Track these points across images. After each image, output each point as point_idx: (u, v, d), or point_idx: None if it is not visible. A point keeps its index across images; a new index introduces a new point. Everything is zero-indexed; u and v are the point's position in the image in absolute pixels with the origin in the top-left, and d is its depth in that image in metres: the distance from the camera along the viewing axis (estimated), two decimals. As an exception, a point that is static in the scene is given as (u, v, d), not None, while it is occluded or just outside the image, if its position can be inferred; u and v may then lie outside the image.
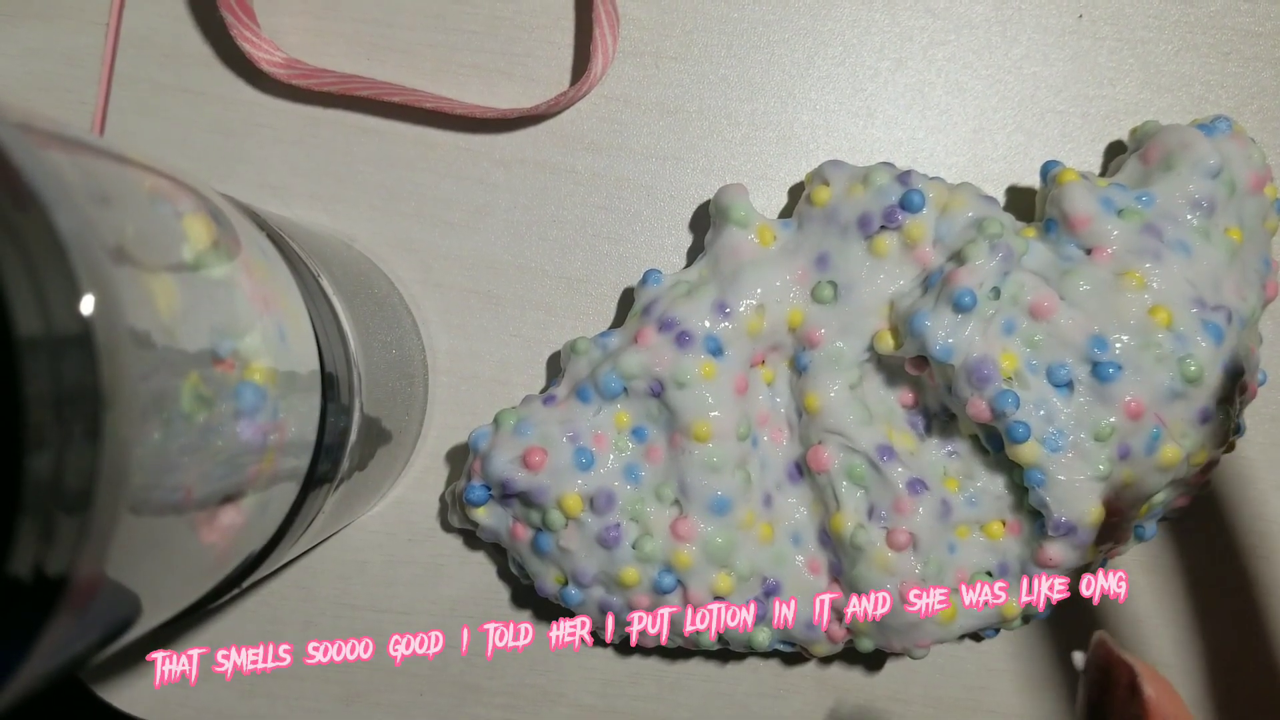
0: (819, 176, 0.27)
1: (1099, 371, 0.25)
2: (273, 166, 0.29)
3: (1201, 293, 0.25)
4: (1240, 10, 0.29)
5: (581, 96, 0.29)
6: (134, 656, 0.29)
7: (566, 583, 0.26)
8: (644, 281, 0.27)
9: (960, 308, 0.24)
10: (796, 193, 0.29)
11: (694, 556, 0.26)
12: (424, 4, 0.29)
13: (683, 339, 0.25)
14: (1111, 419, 0.25)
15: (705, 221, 0.28)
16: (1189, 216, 0.26)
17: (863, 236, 0.26)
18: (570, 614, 0.27)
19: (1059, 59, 0.29)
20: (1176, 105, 0.29)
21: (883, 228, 0.26)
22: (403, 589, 0.29)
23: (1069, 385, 0.25)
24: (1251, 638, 0.29)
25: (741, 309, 0.26)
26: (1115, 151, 0.29)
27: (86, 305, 0.12)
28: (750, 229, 0.26)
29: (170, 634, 0.29)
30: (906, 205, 0.25)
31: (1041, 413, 0.25)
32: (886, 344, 0.26)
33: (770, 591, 0.26)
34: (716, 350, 0.25)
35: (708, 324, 0.25)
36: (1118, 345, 0.25)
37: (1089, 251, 0.26)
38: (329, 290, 0.22)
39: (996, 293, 0.25)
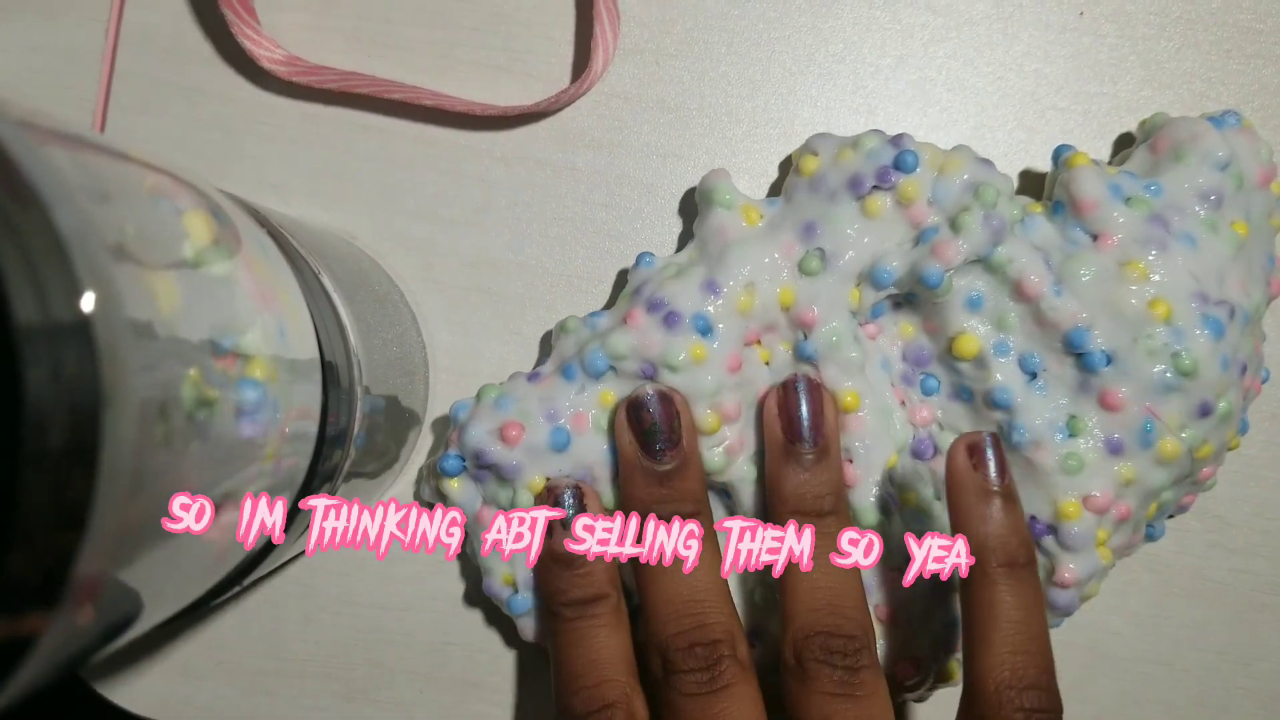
0: (806, 148, 0.27)
1: (1087, 360, 0.25)
2: (273, 164, 0.29)
3: (1204, 286, 0.25)
4: (1241, 7, 0.29)
5: (582, 94, 0.28)
6: (135, 654, 0.29)
7: (517, 590, 0.26)
8: (636, 264, 0.27)
9: (928, 285, 0.25)
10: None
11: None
12: (424, 1, 0.29)
13: (671, 319, 0.25)
14: (1091, 410, 0.25)
15: (694, 210, 0.28)
16: (1196, 208, 0.26)
17: (854, 197, 0.26)
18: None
19: (1060, 56, 0.29)
20: (1178, 102, 0.29)
21: (875, 188, 0.25)
22: (402, 585, 0.29)
23: (1034, 374, 0.26)
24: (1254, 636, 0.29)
25: (730, 286, 0.25)
26: (1124, 144, 0.29)
27: (87, 303, 0.12)
28: (735, 209, 0.26)
29: (171, 632, 0.29)
30: (900, 165, 0.25)
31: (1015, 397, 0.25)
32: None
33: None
34: (705, 329, 0.25)
35: (695, 303, 0.25)
36: (1100, 338, 0.25)
37: (1095, 238, 0.26)
38: (329, 287, 0.22)
39: (983, 264, 0.25)
